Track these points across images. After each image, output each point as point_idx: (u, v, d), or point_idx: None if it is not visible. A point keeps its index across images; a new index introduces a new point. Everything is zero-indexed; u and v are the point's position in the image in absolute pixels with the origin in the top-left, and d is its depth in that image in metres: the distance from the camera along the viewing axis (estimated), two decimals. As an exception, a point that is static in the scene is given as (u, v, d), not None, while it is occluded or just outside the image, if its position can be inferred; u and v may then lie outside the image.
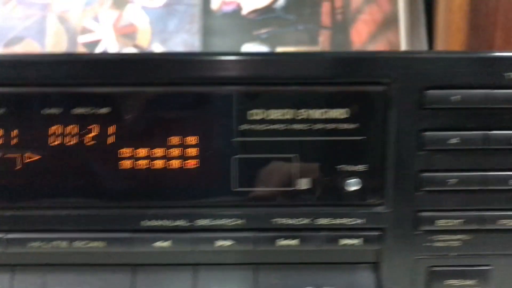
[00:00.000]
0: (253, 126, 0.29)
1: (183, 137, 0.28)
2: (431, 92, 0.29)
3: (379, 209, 0.30)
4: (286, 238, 0.29)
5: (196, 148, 0.28)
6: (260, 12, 0.73)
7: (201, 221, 0.29)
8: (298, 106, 0.29)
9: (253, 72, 0.28)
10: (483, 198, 0.30)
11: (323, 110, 0.29)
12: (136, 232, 0.28)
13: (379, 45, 0.74)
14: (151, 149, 0.28)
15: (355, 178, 0.29)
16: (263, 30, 0.73)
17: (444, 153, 0.30)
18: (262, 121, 0.28)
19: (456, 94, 0.29)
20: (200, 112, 0.28)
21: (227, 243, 0.29)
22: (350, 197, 0.30)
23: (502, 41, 0.59)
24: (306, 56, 0.30)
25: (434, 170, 0.30)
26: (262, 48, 0.72)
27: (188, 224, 0.29)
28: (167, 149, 0.28)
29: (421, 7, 0.75)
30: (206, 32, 0.71)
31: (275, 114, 0.28)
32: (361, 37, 0.74)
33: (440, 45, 0.64)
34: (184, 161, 0.28)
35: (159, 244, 0.28)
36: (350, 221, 0.30)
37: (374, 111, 0.29)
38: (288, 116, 0.29)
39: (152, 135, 0.28)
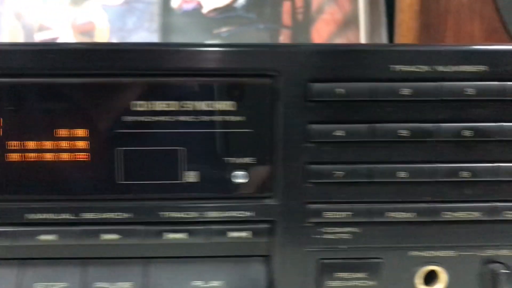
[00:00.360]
0: (137, 118, 0.28)
1: (70, 130, 0.28)
2: (316, 85, 0.28)
3: (268, 201, 0.29)
4: (174, 231, 0.29)
5: (84, 141, 0.28)
6: (221, 11, 0.72)
7: (86, 215, 0.29)
8: (183, 98, 0.28)
9: (136, 63, 0.27)
10: (370, 191, 0.29)
11: (209, 102, 0.28)
12: (20, 226, 0.28)
13: (339, 44, 0.73)
14: (38, 142, 0.27)
15: (243, 170, 0.29)
16: (224, 29, 0.72)
17: (331, 146, 0.29)
18: (146, 112, 0.28)
19: (340, 87, 0.28)
20: (86, 103, 0.28)
21: (114, 236, 0.28)
22: (238, 189, 0.29)
23: (452, 40, 0.58)
24: (191, 47, 0.29)
25: (321, 163, 0.29)
26: (222, 47, 0.72)
27: (74, 217, 0.28)
28: (55, 142, 0.27)
29: (382, 7, 0.73)
30: (166, 30, 0.71)
31: (159, 105, 0.28)
32: (322, 37, 0.73)
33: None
34: (70, 153, 0.27)
35: (44, 237, 0.28)
36: (239, 214, 0.29)
37: (261, 103, 0.28)
38: (173, 108, 0.28)
39: (39, 128, 0.27)
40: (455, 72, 0.29)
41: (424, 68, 0.29)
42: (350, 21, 0.74)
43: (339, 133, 0.29)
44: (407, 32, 0.55)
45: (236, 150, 0.29)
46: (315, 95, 0.29)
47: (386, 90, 0.29)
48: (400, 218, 0.30)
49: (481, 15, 0.57)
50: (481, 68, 0.29)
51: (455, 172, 0.29)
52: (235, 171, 0.29)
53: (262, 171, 0.29)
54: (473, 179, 0.29)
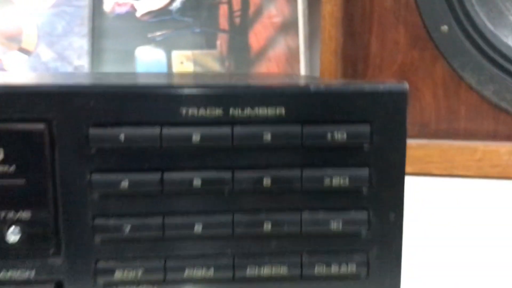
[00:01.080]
0: None
1: None
2: (96, 130, 0.24)
3: (53, 260, 0.25)
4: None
5: None
6: (155, 14, 0.68)
7: None
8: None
9: None
10: (165, 245, 0.25)
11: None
12: None
13: (278, 50, 0.67)
14: None
15: (18, 226, 0.25)
16: (158, 33, 0.67)
17: (117, 197, 0.25)
18: None
19: (124, 132, 0.24)
20: None
21: None
22: (17, 248, 0.25)
23: (378, 48, 0.52)
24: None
25: (109, 216, 0.25)
26: (158, 51, 0.67)
27: None
28: None
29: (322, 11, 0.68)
30: (98, 34, 0.66)
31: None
32: (260, 41, 0.68)
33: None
34: None
35: None
36: (20, 275, 0.25)
37: (35, 151, 0.24)
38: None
39: None
40: (250, 116, 0.24)
41: (218, 111, 0.24)
42: (289, 25, 0.68)
43: (124, 183, 0.24)
44: (329, 40, 0.49)
45: (10, 203, 0.24)
46: (95, 142, 0.24)
47: (176, 136, 0.24)
48: (198, 276, 0.25)
49: (405, 22, 0.51)
50: (278, 110, 0.24)
51: (256, 223, 0.24)
52: (10, 227, 0.25)
53: (42, 226, 0.25)
54: (276, 231, 0.24)
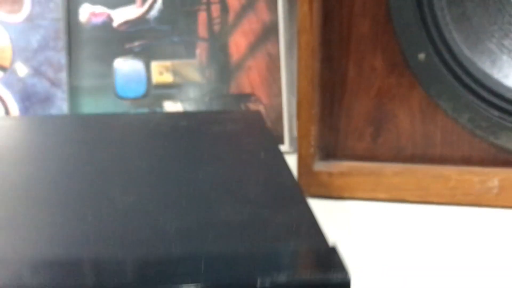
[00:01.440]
0: None
1: None
2: None
3: None
4: None
5: None
6: (133, 24, 0.66)
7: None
8: None
9: None
10: None
11: None
12: None
13: (258, 57, 0.66)
14: None
15: None
16: (136, 43, 0.66)
17: None
18: None
19: None
20: None
21: None
22: None
23: (355, 74, 0.52)
24: None
25: None
26: (136, 62, 0.66)
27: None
28: None
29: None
30: (74, 47, 0.65)
31: None
32: (240, 49, 0.66)
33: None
34: None
35: None
36: None
37: None
38: None
39: None
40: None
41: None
42: (269, 32, 0.66)
43: None
44: (305, 70, 0.48)
45: None
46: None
47: None
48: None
49: (383, 48, 0.50)
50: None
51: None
52: None
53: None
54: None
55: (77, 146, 0.36)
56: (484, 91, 0.48)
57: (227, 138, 0.36)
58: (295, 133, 0.65)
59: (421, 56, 0.48)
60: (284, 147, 0.66)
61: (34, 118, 0.43)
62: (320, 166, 0.50)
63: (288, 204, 0.26)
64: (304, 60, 0.48)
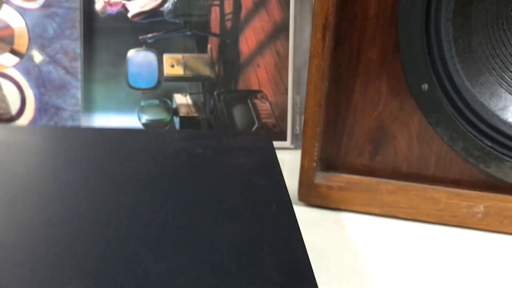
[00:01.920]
0: None
1: None
2: None
3: None
4: None
5: None
6: (147, 15, 0.66)
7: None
8: None
9: None
10: None
11: None
12: None
13: (267, 55, 0.68)
14: None
15: None
16: (150, 35, 0.67)
17: None
18: None
19: None
20: None
21: None
22: None
23: (360, 97, 0.54)
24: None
25: None
26: (149, 54, 0.67)
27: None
28: None
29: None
30: (89, 36, 0.66)
31: None
32: (250, 46, 0.68)
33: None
34: None
35: None
36: None
37: None
38: None
39: None
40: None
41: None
42: (280, 31, 0.67)
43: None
44: (314, 91, 0.51)
45: None
46: None
47: None
48: None
49: (389, 75, 0.52)
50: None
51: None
52: None
53: None
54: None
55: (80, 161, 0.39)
56: (480, 123, 0.50)
57: (233, 173, 0.39)
58: (297, 130, 0.68)
59: (424, 86, 0.50)
60: (286, 143, 0.69)
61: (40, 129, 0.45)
62: (320, 179, 0.54)
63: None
64: (314, 82, 0.50)
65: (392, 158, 0.54)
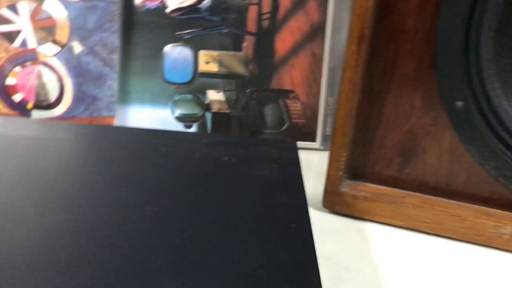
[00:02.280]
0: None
1: None
2: None
3: None
4: None
5: None
6: (185, 11, 0.67)
7: None
8: None
9: None
10: None
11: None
12: None
13: (302, 56, 0.67)
14: None
15: None
16: (187, 31, 0.67)
17: None
18: None
19: None
20: None
21: None
22: None
23: (392, 108, 0.53)
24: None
25: None
26: (185, 50, 0.68)
27: None
28: None
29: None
30: (128, 29, 0.67)
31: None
32: (285, 46, 0.67)
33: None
34: None
35: None
36: None
37: None
38: None
39: None
40: None
41: None
42: (316, 32, 0.67)
43: None
44: (346, 102, 0.50)
45: None
46: None
47: None
48: None
49: (423, 89, 0.51)
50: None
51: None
52: None
53: None
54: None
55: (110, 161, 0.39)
56: (513, 142, 0.49)
57: (255, 187, 0.39)
58: (327, 131, 0.68)
59: (459, 103, 0.49)
60: (315, 144, 0.68)
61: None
62: (346, 188, 0.53)
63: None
64: (346, 94, 0.50)
65: (420, 172, 0.53)
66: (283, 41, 0.67)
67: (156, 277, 0.27)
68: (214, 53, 0.67)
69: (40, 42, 0.64)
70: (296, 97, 0.68)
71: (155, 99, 0.67)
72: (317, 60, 0.66)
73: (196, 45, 0.66)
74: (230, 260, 0.29)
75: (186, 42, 0.66)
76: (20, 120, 0.48)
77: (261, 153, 0.44)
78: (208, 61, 0.67)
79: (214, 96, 0.67)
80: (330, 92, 0.68)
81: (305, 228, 0.34)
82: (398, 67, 0.50)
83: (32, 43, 0.64)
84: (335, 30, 0.66)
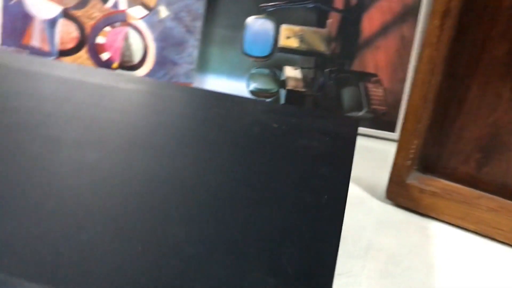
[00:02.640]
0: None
1: None
2: None
3: None
4: None
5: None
6: (271, -17, 0.65)
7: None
8: None
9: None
10: None
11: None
12: None
13: (390, 38, 0.63)
14: None
15: None
16: (271, 3, 0.66)
17: None
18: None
19: None
20: None
21: None
22: None
23: (477, 95, 0.47)
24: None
25: None
26: (267, 22, 0.66)
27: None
28: None
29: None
30: (213, -2, 0.66)
31: None
32: (373, 26, 0.63)
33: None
34: None
35: None
36: None
37: None
38: None
39: None
40: None
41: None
42: (408, 14, 0.62)
43: None
44: (421, 85, 0.45)
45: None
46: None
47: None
48: None
49: (517, 76, 0.45)
50: None
51: None
52: None
53: None
54: None
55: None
56: None
57: (298, 155, 0.36)
58: (409, 122, 0.62)
59: (557, 97, 0.42)
60: (393, 135, 0.64)
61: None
62: (413, 180, 0.49)
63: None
64: (422, 74, 0.45)
65: (501, 172, 0.47)
66: (371, 21, 0.62)
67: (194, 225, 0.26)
68: (296, 28, 0.64)
69: (130, 4, 0.66)
70: (378, 82, 0.63)
71: (232, 71, 0.66)
72: (406, 43, 0.61)
73: (279, 18, 0.64)
74: (249, 220, 0.27)
75: (269, 14, 0.64)
76: (91, 69, 0.49)
77: (315, 125, 0.41)
78: (289, 36, 0.64)
79: (291, 72, 0.65)
80: (416, 80, 0.62)
81: (339, 203, 0.30)
82: (487, 50, 0.44)
83: (123, 5, 0.66)
84: (429, 13, 0.60)
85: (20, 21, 0.69)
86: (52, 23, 0.69)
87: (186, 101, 0.44)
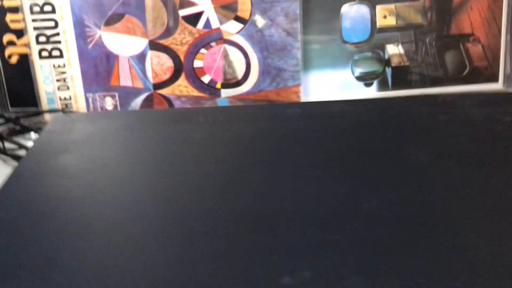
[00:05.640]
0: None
1: None
2: None
3: None
4: None
5: None
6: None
7: None
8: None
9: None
10: None
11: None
12: None
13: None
14: None
15: None
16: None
17: None
18: None
19: None
20: None
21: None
22: None
23: None
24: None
25: None
26: (362, 7, 0.65)
27: None
28: None
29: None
30: (306, -5, 0.64)
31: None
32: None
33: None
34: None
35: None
36: None
37: None
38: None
39: None
40: None
41: None
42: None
43: None
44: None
45: None
46: None
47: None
48: None
49: None
50: None
51: None
52: None
53: None
54: None
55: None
56: None
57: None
58: (508, 70, 0.66)
59: None
60: (497, 85, 0.67)
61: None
62: None
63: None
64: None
65: None
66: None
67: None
68: (391, 6, 0.64)
69: (222, 20, 0.63)
70: (476, 40, 0.65)
71: (335, 62, 0.65)
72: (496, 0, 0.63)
73: (373, 0, 0.64)
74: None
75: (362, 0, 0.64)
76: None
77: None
78: (385, 15, 0.64)
79: (393, 50, 0.66)
80: (510, 30, 0.65)
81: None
82: None
83: (215, 23, 0.63)
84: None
85: (103, 63, 0.64)
86: (140, 58, 0.64)
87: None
